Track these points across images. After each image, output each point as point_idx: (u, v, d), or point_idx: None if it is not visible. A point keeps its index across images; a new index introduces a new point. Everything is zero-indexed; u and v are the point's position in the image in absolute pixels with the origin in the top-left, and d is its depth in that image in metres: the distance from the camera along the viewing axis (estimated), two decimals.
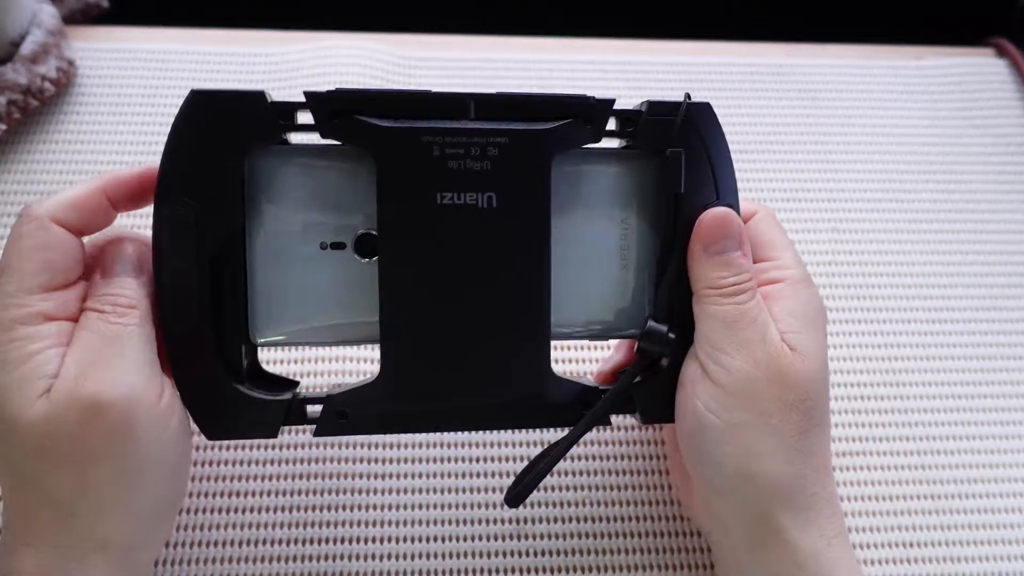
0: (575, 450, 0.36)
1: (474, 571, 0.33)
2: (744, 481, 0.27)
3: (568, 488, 0.35)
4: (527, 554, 0.33)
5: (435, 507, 0.34)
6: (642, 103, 0.29)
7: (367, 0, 0.63)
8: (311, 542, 0.33)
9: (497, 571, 0.33)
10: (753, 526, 0.27)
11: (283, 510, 0.34)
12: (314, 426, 0.29)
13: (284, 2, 0.68)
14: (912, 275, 0.43)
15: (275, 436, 0.28)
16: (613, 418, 0.30)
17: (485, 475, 0.35)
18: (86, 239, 0.27)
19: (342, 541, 0.33)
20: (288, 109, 0.27)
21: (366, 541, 0.33)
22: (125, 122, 0.44)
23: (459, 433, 0.36)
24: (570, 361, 0.38)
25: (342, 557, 0.33)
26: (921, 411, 0.39)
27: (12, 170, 0.42)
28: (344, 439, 0.35)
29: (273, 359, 0.37)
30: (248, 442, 0.35)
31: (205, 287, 0.27)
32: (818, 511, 0.27)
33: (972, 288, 0.43)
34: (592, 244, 0.30)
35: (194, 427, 0.28)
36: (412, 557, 0.33)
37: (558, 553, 0.33)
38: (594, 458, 0.36)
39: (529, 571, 0.33)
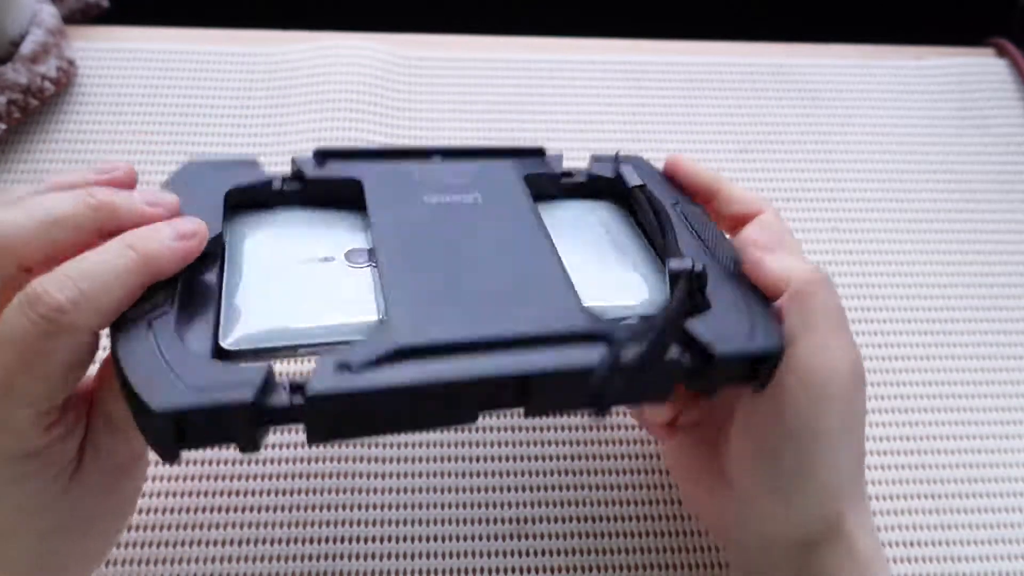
0: (575, 450, 0.36)
1: (474, 571, 0.33)
2: (810, 478, 0.26)
3: (568, 488, 0.35)
4: (527, 554, 0.33)
5: (435, 507, 0.34)
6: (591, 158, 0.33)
7: (367, 0, 0.63)
8: (311, 542, 0.33)
9: (497, 571, 0.33)
10: (812, 524, 0.26)
11: (283, 510, 0.34)
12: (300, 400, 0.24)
13: (284, 2, 0.68)
14: (912, 275, 0.43)
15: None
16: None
17: (485, 475, 0.35)
18: None
19: (342, 541, 0.33)
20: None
21: (366, 541, 0.33)
22: (125, 122, 0.44)
23: (459, 433, 0.36)
24: None
25: (342, 557, 0.33)
26: (921, 411, 0.39)
27: (12, 169, 0.42)
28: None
29: None
30: None
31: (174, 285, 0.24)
32: (867, 504, 0.27)
33: (972, 288, 0.43)
34: (579, 237, 0.31)
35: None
36: (412, 557, 0.33)
37: (558, 553, 0.33)
38: (594, 457, 0.36)
39: (529, 571, 0.33)
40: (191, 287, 0.25)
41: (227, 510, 0.33)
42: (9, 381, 0.21)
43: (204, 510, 0.33)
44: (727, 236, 0.30)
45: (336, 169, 0.30)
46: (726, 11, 0.71)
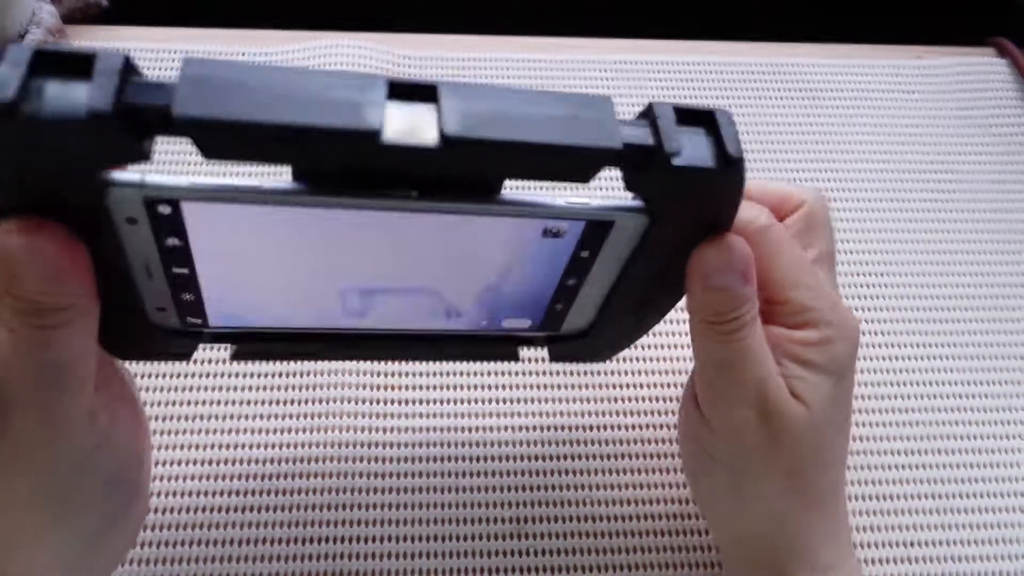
0: (575, 450, 0.36)
1: (474, 571, 0.33)
2: (751, 531, 0.27)
3: (568, 488, 0.35)
4: (527, 554, 0.33)
5: (435, 507, 0.34)
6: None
7: (367, 0, 0.63)
8: (311, 542, 0.33)
9: (497, 571, 0.33)
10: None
11: (283, 510, 0.34)
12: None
13: (284, 2, 0.68)
14: (912, 275, 0.43)
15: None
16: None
17: (485, 475, 0.35)
18: None
19: (342, 541, 0.33)
20: None
21: (366, 541, 0.33)
22: None
23: (459, 432, 0.36)
24: None
25: (342, 557, 0.33)
26: (921, 411, 0.39)
27: None
28: (344, 439, 0.35)
29: None
30: (248, 441, 0.35)
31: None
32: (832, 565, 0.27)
33: (972, 288, 0.43)
34: None
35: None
36: (412, 557, 0.33)
37: (558, 553, 0.33)
38: (594, 457, 0.36)
39: (529, 571, 0.33)
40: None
41: (227, 510, 0.33)
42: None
43: (204, 510, 0.33)
44: None
45: None
46: (726, 11, 0.71)
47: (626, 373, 0.38)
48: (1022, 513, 0.36)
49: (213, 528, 0.33)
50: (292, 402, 0.36)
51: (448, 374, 0.37)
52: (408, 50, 0.49)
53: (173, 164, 0.42)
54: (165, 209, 0.20)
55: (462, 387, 0.37)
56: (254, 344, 0.27)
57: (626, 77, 0.49)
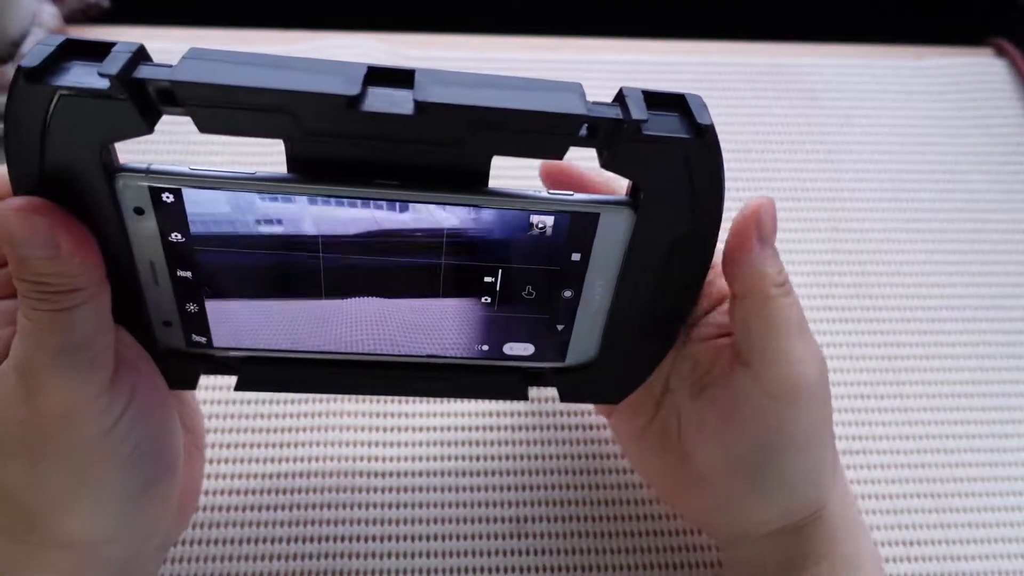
0: (575, 450, 0.36)
1: (474, 571, 0.33)
2: (790, 477, 0.26)
3: (568, 488, 0.35)
4: (527, 554, 0.33)
5: (435, 507, 0.34)
6: None
7: (367, 0, 0.63)
8: (311, 542, 0.33)
9: (497, 571, 0.33)
10: (795, 514, 0.27)
11: (283, 510, 0.34)
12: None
13: (284, 2, 0.68)
14: (912, 275, 0.43)
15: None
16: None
17: (485, 474, 0.35)
18: None
19: (342, 540, 0.33)
20: None
21: (366, 540, 0.33)
22: None
23: (459, 432, 0.36)
24: None
25: (342, 556, 0.33)
26: (921, 411, 0.39)
27: None
28: (344, 438, 0.35)
29: None
30: (246, 442, 0.35)
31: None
32: (843, 475, 0.29)
33: (972, 288, 0.43)
34: None
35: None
36: (412, 557, 0.33)
37: (558, 552, 0.33)
38: (593, 457, 0.36)
39: (529, 571, 0.33)
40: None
41: (227, 510, 0.33)
42: None
43: (204, 510, 0.33)
44: None
45: None
46: (726, 11, 0.71)
47: None
48: (1021, 513, 0.36)
49: (213, 528, 0.33)
50: (292, 401, 0.36)
51: None
52: (409, 50, 0.49)
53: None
54: (168, 197, 0.22)
55: None
56: (256, 370, 0.27)
57: (626, 77, 0.49)
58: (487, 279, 0.25)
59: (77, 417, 0.22)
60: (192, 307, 0.25)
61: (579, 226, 0.24)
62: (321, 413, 0.36)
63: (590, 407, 0.37)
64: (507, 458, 0.35)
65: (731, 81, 0.50)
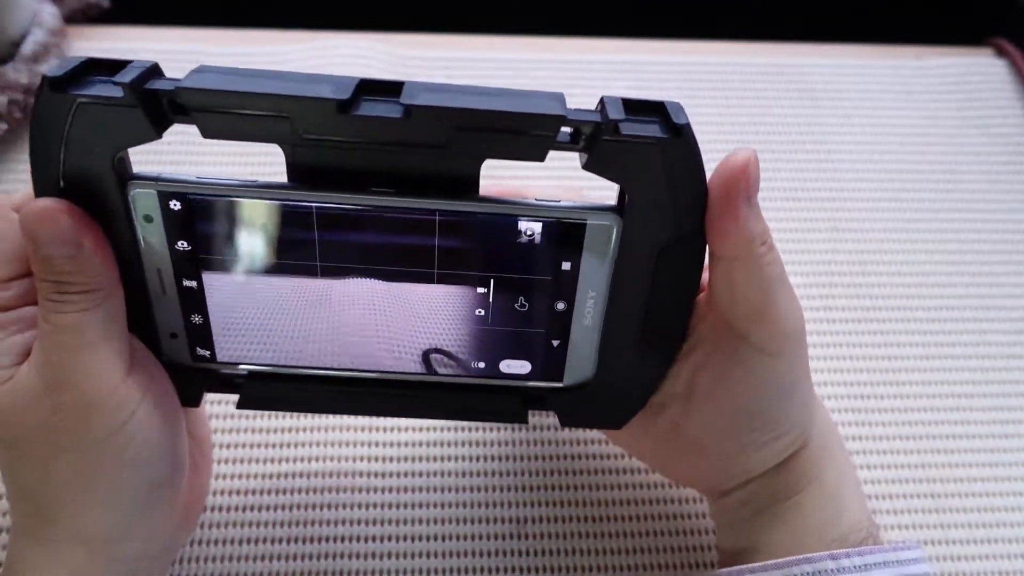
0: (574, 449, 0.36)
1: (474, 571, 0.33)
2: (784, 422, 0.27)
3: (567, 488, 0.35)
4: (527, 554, 0.33)
5: (435, 507, 0.34)
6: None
7: (367, 0, 0.63)
8: (311, 542, 0.33)
9: (497, 571, 0.33)
10: (788, 451, 0.28)
11: (283, 510, 0.34)
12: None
13: (284, 2, 0.68)
14: (912, 275, 0.43)
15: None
16: None
17: (485, 475, 0.35)
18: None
19: (342, 541, 0.33)
20: None
21: (366, 541, 0.33)
22: None
23: (459, 432, 0.36)
24: None
25: (342, 557, 0.33)
26: (921, 411, 0.39)
27: (13, 169, 0.42)
28: (344, 438, 0.35)
29: None
30: (247, 442, 0.35)
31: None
32: (819, 401, 0.30)
33: (972, 288, 0.43)
34: None
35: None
36: (412, 557, 0.33)
37: (557, 553, 0.33)
38: (593, 457, 0.36)
39: (529, 571, 0.33)
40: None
41: (227, 510, 0.33)
42: None
43: (204, 509, 0.33)
44: None
45: None
46: (726, 11, 0.71)
47: None
48: (1021, 513, 0.36)
49: (213, 528, 0.33)
50: None
51: None
52: (408, 50, 0.49)
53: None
54: (176, 205, 0.23)
55: None
56: (257, 388, 0.27)
57: (626, 77, 0.49)
58: (480, 290, 0.25)
59: (93, 413, 0.23)
60: (197, 319, 0.26)
61: (567, 233, 0.24)
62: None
63: None
64: (507, 458, 0.36)
65: (731, 81, 0.50)
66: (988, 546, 0.35)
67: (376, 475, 0.35)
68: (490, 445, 0.36)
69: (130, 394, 0.24)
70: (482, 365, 0.27)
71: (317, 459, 0.35)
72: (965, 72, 0.51)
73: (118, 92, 0.21)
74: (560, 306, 0.26)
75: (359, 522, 0.34)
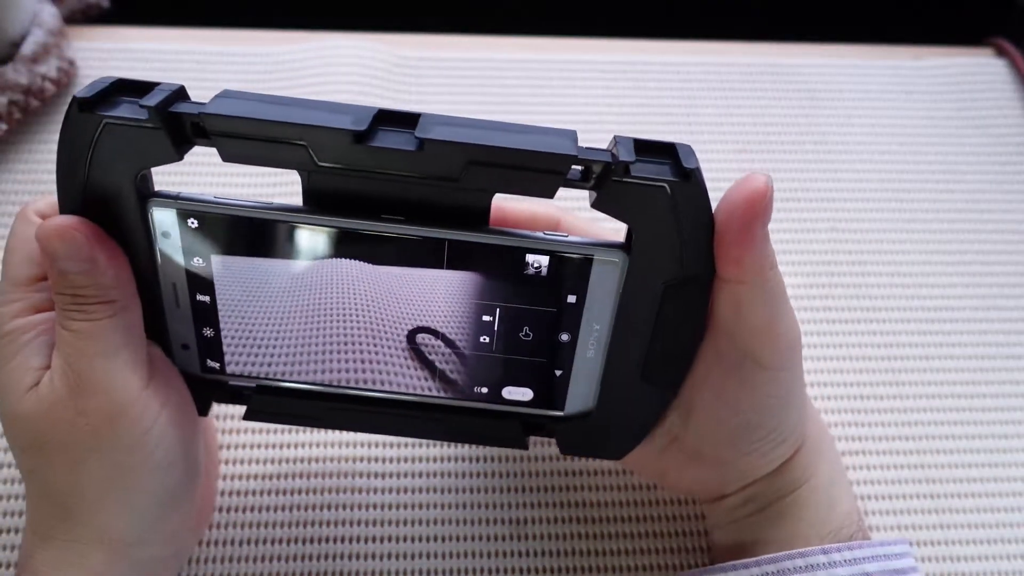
0: None
1: (474, 571, 0.33)
2: (785, 429, 0.27)
3: (567, 488, 0.35)
4: (527, 554, 0.33)
5: (435, 507, 0.34)
6: None
7: (367, 0, 0.63)
8: (311, 542, 0.33)
9: (497, 571, 0.33)
10: (787, 454, 0.28)
11: (283, 510, 0.34)
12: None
13: (284, 2, 0.68)
14: (912, 275, 0.43)
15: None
16: None
17: (485, 475, 0.35)
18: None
19: (342, 541, 0.33)
20: None
21: (366, 541, 0.33)
22: None
23: None
24: None
25: (342, 557, 0.33)
26: (921, 411, 0.39)
27: (13, 170, 0.42)
28: (344, 438, 0.35)
29: None
30: (248, 442, 0.35)
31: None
32: (810, 401, 0.30)
33: (972, 288, 0.43)
34: None
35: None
36: (412, 557, 0.33)
37: (557, 553, 0.33)
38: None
39: (529, 571, 0.33)
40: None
41: (227, 510, 0.33)
42: None
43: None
44: None
45: None
46: (726, 11, 0.71)
47: None
48: (1022, 513, 0.36)
49: (213, 528, 0.33)
50: None
51: None
52: (408, 50, 0.49)
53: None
54: (193, 223, 0.24)
55: None
56: (264, 401, 0.28)
57: (626, 77, 0.49)
58: (485, 318, 0.26)
59: (119, 418, 0.24)
60: (208, 332, 0.27)
61: (573, 268, 0.25)
62: None
63: None
64: (507, 459, 0.36)
65: (731, 81, 0.50)
66: (988, 546, 0.35)
67: (377, 475, 0.35)
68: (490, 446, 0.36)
69: (152, 401, 0.25)
70: (485, 390, 0.28)
71: (319, 460, 0.35)
72: (965, 72, 0.51)
73: (143, 114, 0.22)
74: (564, 337, 0.26)
75: (360, 522, 0.34)
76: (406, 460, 0.35)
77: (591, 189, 0.24)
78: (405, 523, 0.34)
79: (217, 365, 0.27)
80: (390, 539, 0.33)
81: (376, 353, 0.27)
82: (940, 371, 0.40)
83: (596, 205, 0.24)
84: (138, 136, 0.22)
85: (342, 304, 0.26)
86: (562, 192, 0.23)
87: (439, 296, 0.25)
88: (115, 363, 0.24)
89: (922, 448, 0.37)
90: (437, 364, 0.27)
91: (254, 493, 0.34)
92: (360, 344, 0.27)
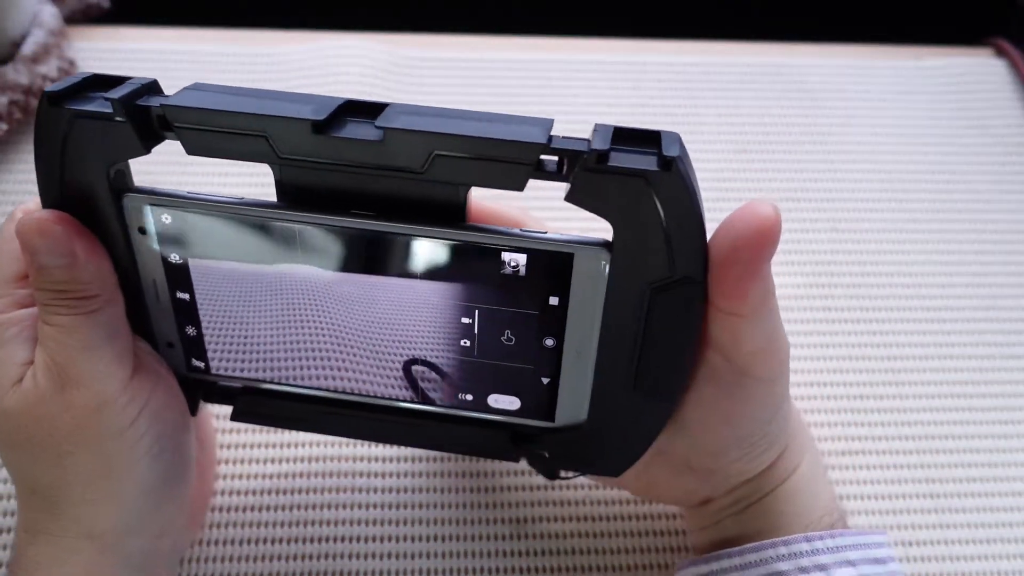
0: None
1: (474, 571, 0.33)
2: (776, 436, 0.28)
3: (567, 488, 0.35)
4: (527, 554, 0.33)
5: (435, 507, 0.34)
6: None
7: (367, 0, 0.63)
8: (311, 542, 0.33)
9: (497, 571, 0.33)
10: (773, 457, 0.28)
11: (283, 510, 0.34)
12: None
13: (284, 2, 0.68)
14: (912, 275, 0.43)
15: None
16: None
17: (485, 475, 0.35)
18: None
19: (341, 540, 0.33)
20: None
21: (365, 540, 0.33)
22: None
23: None
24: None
25: (341, 556, 0.33)
26: (921, 411, 0.39)
27: (13, 170, 0.43)
28: (343, 439, 0.35)
29: None
30: (248, 442, 0.35)
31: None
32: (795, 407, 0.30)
33: (972, 288, 0.43)
34: None
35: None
36: (412, 557, 0.33)
37: (557, 553, 0.33)
38: None
39: (529, 571, 0.33)
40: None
41: (226, 510, 0.34)
42: None
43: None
44: None
45: None
46: (726, 11, 0.71)
47: None
48: (1021, 513, 0.36)
49: (213, 528, 0.33)
50: None
51: None
52: (408, 50, 0.49)
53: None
54: (167, 219, 0.24)
55: None
56: (251, 402, 0.28)
57: (626, 77, 0.49)
58: (464, 320, 0.25)
59: (103, 411, 0.24)
60: (191, 330, 0.26)
61: (553, 267, 0.23)
62: None
63: None
64: None
65: (731, 81, 0.50)
66: (988, 546, 0.35)
67: (376, 475, 0.35)
68: None
69: (138, 393, 0.25)
70: (469, 397, 0.26)
71: (317, 459, 0.35)
72: (965, 72, 0.51)
73: (108, 107, 0.22)
74: (549, 342, 0.24)
75: (359, 522, 0.34)
76: (405, 460, 0.35)
77: (565, 181, 0.22)
78: (404, 523, 0.34)
79: (202, 365, 0.27)
80: (389, 539, 0.33)
81: (355, 357, 0.26)
82: (940, 371, 0.40)
83: (569, 198, 0.22)
84: (105, 130, 0.22)
85: (319, 308, 0.25)
86: (551, 190, 0.22)
87: (418, 297, 0.24)
88: (98, 356, 0.24)
89: (922, 448, 0.37)
90: (418, 369, 0.26)
91: (253, 493, 0.34)
92: (333, 348, 0.26)
